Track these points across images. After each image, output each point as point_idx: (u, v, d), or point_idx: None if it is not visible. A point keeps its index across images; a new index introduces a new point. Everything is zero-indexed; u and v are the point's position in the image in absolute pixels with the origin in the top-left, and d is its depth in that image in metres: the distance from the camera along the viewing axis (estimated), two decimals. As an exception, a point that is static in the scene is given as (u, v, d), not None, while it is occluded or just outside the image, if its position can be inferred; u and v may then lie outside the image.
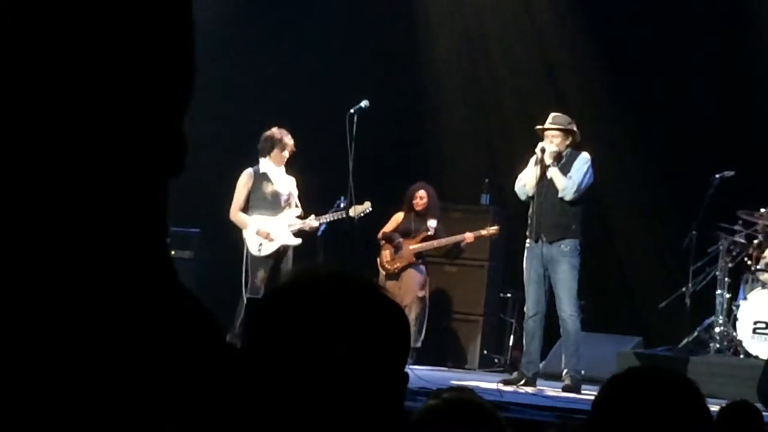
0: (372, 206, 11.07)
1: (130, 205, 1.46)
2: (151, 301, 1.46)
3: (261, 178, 11.16)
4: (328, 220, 11.17)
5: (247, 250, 11.07)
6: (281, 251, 11.08)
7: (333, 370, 1.75)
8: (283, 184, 11.19)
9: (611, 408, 2.54)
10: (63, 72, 1.42)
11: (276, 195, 11.15)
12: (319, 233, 11.22)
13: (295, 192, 11.28)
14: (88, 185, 1.44)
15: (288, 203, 11.18)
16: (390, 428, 1.82)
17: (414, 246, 12.55)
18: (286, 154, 11.14)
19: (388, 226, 12.72)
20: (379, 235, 12.71)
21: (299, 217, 11.17)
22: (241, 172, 11.26)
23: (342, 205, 11.08)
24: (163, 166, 1.50)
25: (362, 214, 11.02)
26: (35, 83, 1.43)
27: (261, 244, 11.04)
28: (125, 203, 1.46)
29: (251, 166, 11.21)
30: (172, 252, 11.54)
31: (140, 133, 1.46)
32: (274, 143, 11.08)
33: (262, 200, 11.14)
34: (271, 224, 11.08)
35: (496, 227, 12.56)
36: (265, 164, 11.15)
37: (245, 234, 11.12)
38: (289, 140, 11.11)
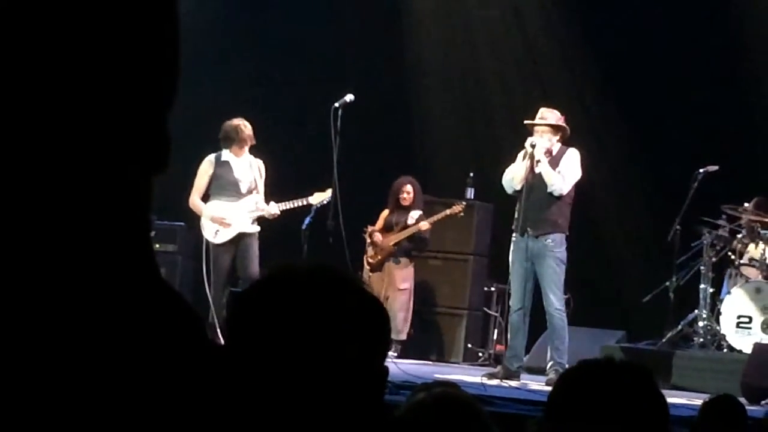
0: (334, 195, 10.77)
1: (113, 202, 1.46)
2: (131, 296, 1.46)
3: (222, 165, 11.00)
4: (288, 207, 11.01)
5: (206, 238, 10.96)
6: (239, 238, 10.90)
7: (311, 363, 1.74)
8: (245, 171, 11.01)
9: (565, 401, 2.55)
10: (46, 69, 1.43)
11: (237, 183, 10.98)
12: (304, 227, 11.15)
13: (261, 178, 11.09)
14: (70, 181, 1.44)
15: (250, 190, 11.01)
16: (370, 422, 1.82)
17: (392, 238, 12.53)
18: (246, 148, 10.98)
19: (378, 224, 12.69)
20: (367, 232, 12.68)
21: (259, 203, 10.99)
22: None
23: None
24: (147, 163, 1.50)
25: (324, 202, 10.90)
26: (18, 80, 1.43)
27: (217, 231, 10.90)
28: (108, 200, 1.46)
29: (213, 152, 11.07)
30: (156, 245, 11.50)
31: (125, 129, 1.47)
32: (233, 139, 10.91)
33: (222, 188, 10.99)
34: (227, 210, 10.92)
35: (461, 205, 12.48)
36: (227, 154, 11.01)
37: (202, 221, 10.99)
38: (249, 133, 10.90)
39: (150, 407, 1.40)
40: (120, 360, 1.40)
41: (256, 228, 11.00)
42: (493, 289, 13.28)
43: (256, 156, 11.09)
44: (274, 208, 10.98)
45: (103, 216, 1.44)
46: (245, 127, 10.93)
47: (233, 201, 10.96)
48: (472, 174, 13.48)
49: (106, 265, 1.44)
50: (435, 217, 12.43)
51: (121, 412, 1.38)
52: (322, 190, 10.94)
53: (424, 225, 12.39)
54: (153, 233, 1.58)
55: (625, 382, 2.53)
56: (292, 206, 11.00)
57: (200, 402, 1.48)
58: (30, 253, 1.40)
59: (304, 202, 10.96)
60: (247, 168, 11.02)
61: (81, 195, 1.43)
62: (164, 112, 1.53)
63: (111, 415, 1.38)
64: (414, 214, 12.56)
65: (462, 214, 12.50)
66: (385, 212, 12.70)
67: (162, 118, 1.53)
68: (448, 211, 12.42)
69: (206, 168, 11.03)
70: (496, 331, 13.06)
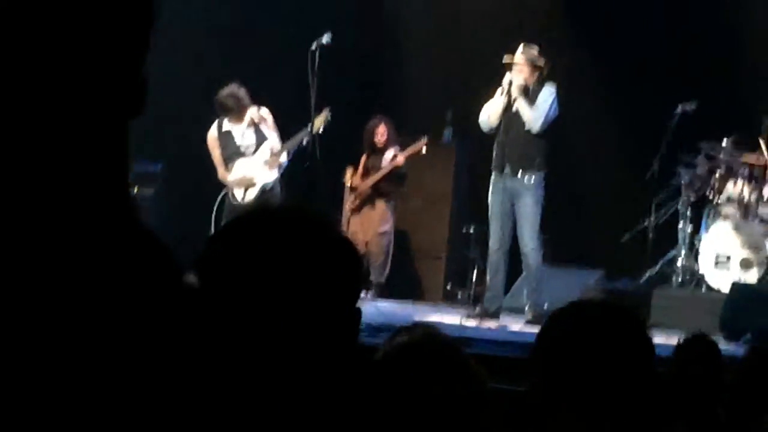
0: (311, 138, 10.46)
1: (90, 147, 1.45)
2: (108, 241, 1.45)
3: (224, 136, 11.15)
4: (293, 146, 11.01)
5: (228, 197, 11.06)
6: (266, 194, 10.96)
7: (283, 305, 1.73)
8: (248, 135, 11.09)
9: (552, 342, 2.56)
10: (24, 12, 1.41)
11: (240, 150, 11.09)
12: (281, 172, 11.15)
13: (269, 127, 11.10)
14: (43, 125, 1.43)
15: (260, 145, 11.08)
16: (345, 364, 1.80)
17: (368, 180, 12.49)
18: (245, 113, 11.03)
19: (359, 171, 12.61)
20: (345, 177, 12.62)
21: (274, 148, 11.03)
22: (204, 112, 11.17)
23: (305, 143, 10.98)
24: (123, 107, 1.49)
25: (325, 125, 10.78)
26: None
27: (244, 192, 11.04)
28: (85, 144, 1.45)
29: (216, 119, 11.13)
30: (135, 189, 11.49)
31: (98, 72, 1.45)
32: (230, 108, 10.96)
33: (234, 154, 11.11)
34: (246, 167, 11.04)
35: (424, 140, 12.39)
36: (226, 123, 11.11)
37: (233, 190, 11.12)
38: (245, 98, 10.98)
39: (123, 346, 1.40)
40: (91, 300, 1.39)
41: (275, 174, 11.08)
42: (471, 230, 13.28)
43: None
44: (281, 155, 11.05)
45: (77, 160, 1.43)
46: (237, 93, 10.96)
47: (247, 159, 11.08)
48: (450, 112, 13.43)
49: (81, 209, 1.43)
50: (406, 152, 12.36)
51: (91, 351, 1.38)
52: (319, 112, 10.70)
53: (399, 159, 12.34)
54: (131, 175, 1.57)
55: (613, 325, 2.53)
56: (296, 142, 10.97)
57: (172, 342, 1.48)
58: (4, 197, 1.39)
59: (307, 134, 10.71)
60: (250, 130, 11.09)
61: (54, 139, 1.41)
62: (139, 53, 1.50)
63: (80, 354, 1.37)
64: (388, 155, 12.50)
65: (424, 149, 12.37)
66: (364, 157, 12.64)
67: (137, 61, 1.50)
68: (409, 149, 12.36)
69: (212, 143, 11.20)
70: (475, 272, 13.08)
